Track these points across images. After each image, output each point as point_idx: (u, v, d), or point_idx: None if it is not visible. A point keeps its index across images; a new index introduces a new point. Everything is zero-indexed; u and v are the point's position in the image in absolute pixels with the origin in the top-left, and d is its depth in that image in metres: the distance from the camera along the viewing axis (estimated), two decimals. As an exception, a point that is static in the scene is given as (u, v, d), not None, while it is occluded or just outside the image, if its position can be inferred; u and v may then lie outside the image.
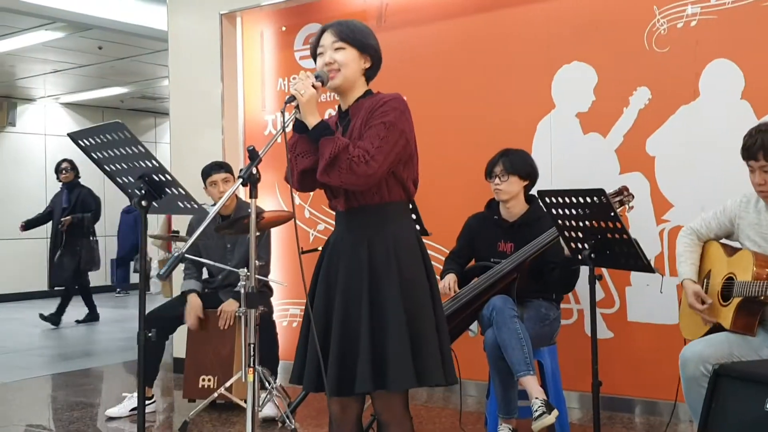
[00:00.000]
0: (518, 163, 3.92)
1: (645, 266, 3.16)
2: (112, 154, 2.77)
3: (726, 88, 4.10)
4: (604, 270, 4.24)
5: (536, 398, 3.46)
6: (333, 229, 2.71)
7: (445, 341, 2.56)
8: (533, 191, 3.93)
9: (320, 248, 2.74)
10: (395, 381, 2.43)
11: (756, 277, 2.99)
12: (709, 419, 2.72)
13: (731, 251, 3.24)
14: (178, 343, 5.72)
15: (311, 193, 5.49)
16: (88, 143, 2.82)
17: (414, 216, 3.86)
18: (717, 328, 3.16)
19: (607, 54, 4.47)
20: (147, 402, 4.65)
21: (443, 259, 4.28)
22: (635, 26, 4.35)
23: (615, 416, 4.36)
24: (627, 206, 3.65)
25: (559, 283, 3.86)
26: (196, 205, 2.79)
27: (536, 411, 3.41)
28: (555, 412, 3.43)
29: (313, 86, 2.48)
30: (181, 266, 4.80)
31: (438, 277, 3.98)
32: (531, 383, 3.52)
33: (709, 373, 2.90)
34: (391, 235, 2.53)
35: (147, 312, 2.87)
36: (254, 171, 2.37)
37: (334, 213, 2.72)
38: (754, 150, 3.00)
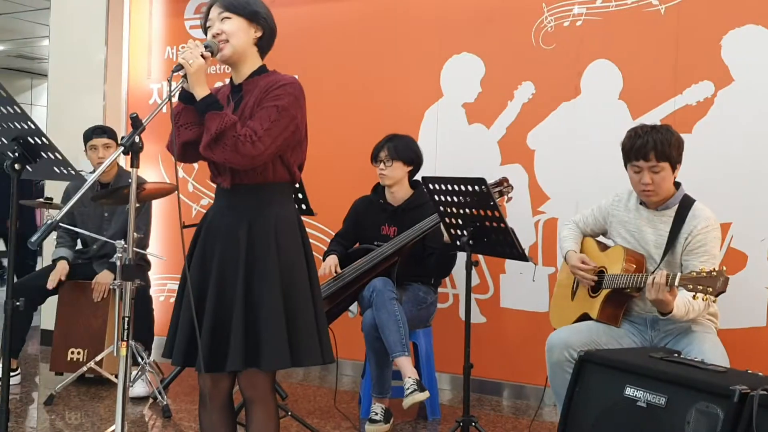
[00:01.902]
0: (403, 149, 3.98)
1: (520, 255, 3.27)
2: (-16, 113, 2.64)
3: (605, 88, 4.27)
4: (480, 256, 4.36)
5: (409, 377, 3.54)
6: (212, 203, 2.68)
7: (321, 321, 2.57)
8: (418, 177, 4.00)
9: (202, 222, 2.70)
10: (268, 360, 2.43)
11: (624, 270, 3.15)
12: (573, 403, 2.84)
13: (605, 247, 3.40)
14: (47, 315, 5.51)
15: (196, 167, 5.39)
16: (-42, 100, 2.66)
17: (300, 195, 3.87)
18: (584, 318, 3.31)
19: (496, 47, 4.57)
20: (12, 374, 4.48)
21: (328, 240, 4.30)
22: (524, 21, 4.47)
23: (484, 398, 4.50)
24: (506, 197, 3.76)
25: (436, 268, 3.95)
26: (73, 171, 2.69)
27: (408, 388, 3.50)
28: (426, 393, 3.52)
29: (202, 56, 2.42)
30: (54, 234, 4.62)
31: (320, 257, 4.01)
32: (405, 364, 3.60)
33: (572, 359, 3.03)
34: (273, 216, 2.52)
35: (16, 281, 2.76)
36: (137, 139, 2.30)
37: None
38: (647, 150, 3.06)
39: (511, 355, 4.50)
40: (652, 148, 3.07)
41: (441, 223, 3.52)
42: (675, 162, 3.11)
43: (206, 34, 2.58)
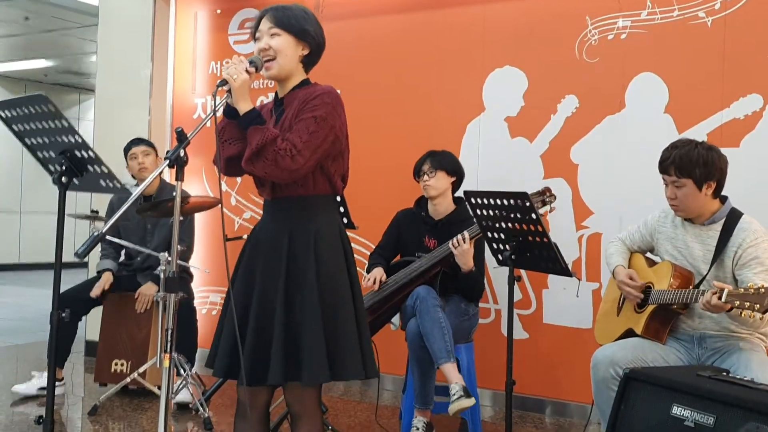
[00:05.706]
0: (445, 160, 4.00)
1: (563, 270, 3.23)
2: (34, 127, 2.69)
3: (650, 102, 4.22)
4: (522, 271, 4.32)
5: (455, 383, 3.50)
6: (260, 217, 2.69)
7: (365, 335, 2.55)
8: (460, 192, 3.98)
9: (245, 236, 2.71)
10: (308, 375, 2.42)
11: (672, 286, 3.09)
12: (618, 421, 2.79)
13: (652, 263, 3.35)
14: (91, 326, 5.59)
15: (239, 181, 5.44)
16: (9, 115, 2.73)
17: (342, 209, 3.87)
18: (629, 333, 3.26)
19: (539, 61, 4.54)
20: (57, 383, 4.53)
21: (368, 253, 4.30)
22: (568, 35, 4.44)
23: (526, 415, 4.45)
24: (549, 207, 3.72)
25: (463, 293, 3.92)
26: (118, 185, 2.72)
27: (454, 394, 3.45)
28: (472, 400, 3.46)
29: (247, 71, 2.43)
30: (98, 247, 4.69)
31: (363, 272, 4.00)
32: (451, 370, 3.55)
33: (618, 376, 2.97)
34: (313, 229, 2.51)
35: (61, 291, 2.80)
36: (182, 153, 2.32)
37: (261, 201, 2.70)
38: (667, 165, 3.09)
39: (554, 371, 4.45)
40: (671, 163, 3.07)
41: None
42: (700, 180, 3.03)
43: (255, 42, 2.60)
